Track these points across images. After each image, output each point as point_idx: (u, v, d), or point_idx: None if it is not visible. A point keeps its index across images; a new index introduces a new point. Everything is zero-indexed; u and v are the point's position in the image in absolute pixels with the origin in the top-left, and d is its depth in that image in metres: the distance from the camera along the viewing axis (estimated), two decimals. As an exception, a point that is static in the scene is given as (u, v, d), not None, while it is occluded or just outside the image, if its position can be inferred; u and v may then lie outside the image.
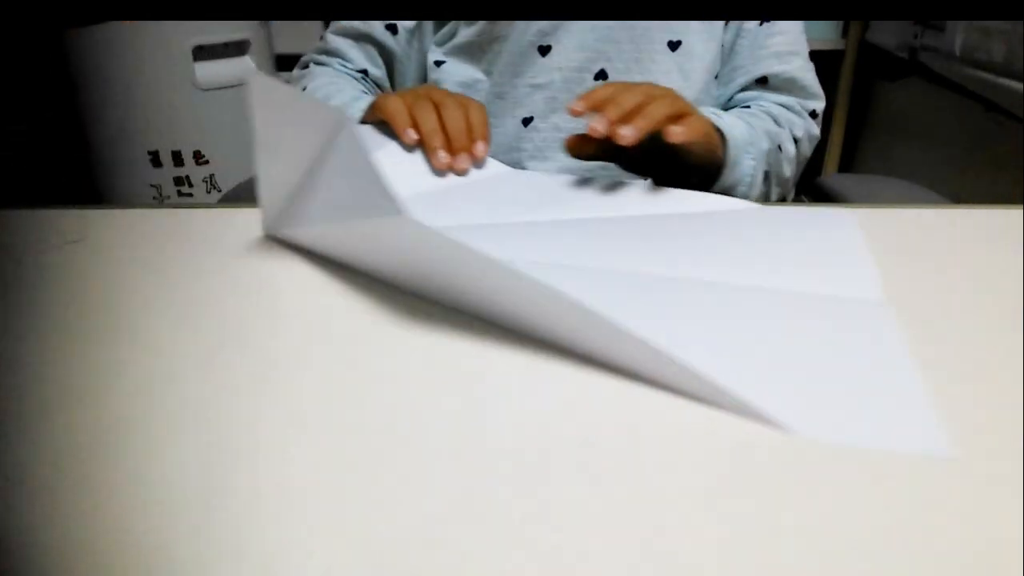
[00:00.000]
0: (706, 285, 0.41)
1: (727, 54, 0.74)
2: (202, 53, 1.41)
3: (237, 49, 1.48)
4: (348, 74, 0.76)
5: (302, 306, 0.40)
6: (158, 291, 0.42)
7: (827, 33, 1.69)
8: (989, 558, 0.23)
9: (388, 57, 0.77)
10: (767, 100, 0.74)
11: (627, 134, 0.51)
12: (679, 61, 0.71)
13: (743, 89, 0.75)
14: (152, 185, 1.48)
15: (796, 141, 0.73)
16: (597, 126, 0.52)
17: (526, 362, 0.35)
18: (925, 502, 0.26)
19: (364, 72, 0.76)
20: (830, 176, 1.33)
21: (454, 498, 0.26)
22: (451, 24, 0.73)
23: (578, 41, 0.70)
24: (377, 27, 0.74)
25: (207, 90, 1.43)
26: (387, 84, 0.78)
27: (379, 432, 0.30)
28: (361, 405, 0.31)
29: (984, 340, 0.35)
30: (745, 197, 0.63)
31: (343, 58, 0.76)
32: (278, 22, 1.63)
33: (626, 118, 0.53)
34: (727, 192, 0.64)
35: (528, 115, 0.72)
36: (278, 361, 0.35)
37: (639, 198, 0.56)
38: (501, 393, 0.32)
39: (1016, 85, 1.10)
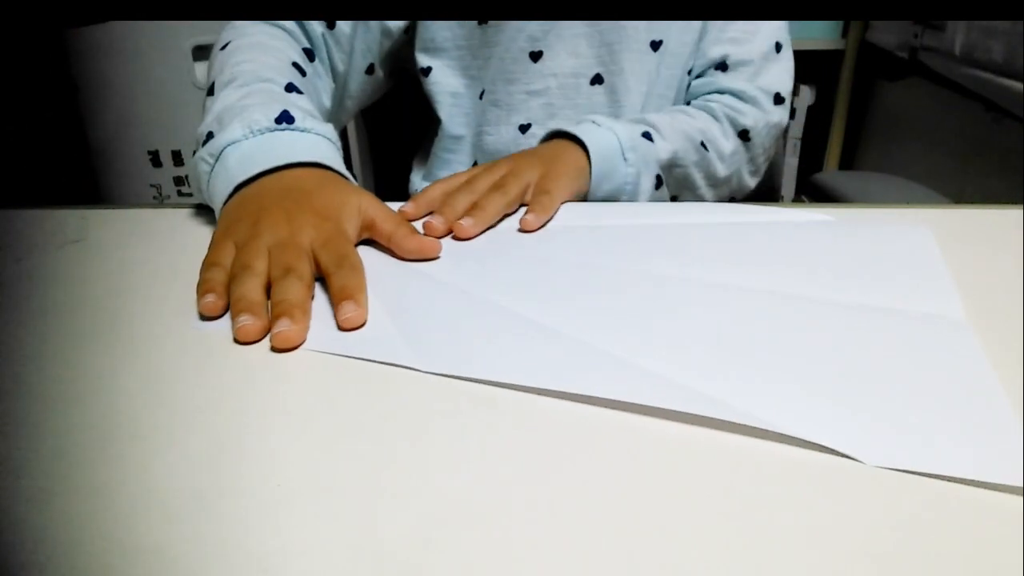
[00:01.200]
0: (775, 297, 0.40)
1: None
2: (202, 53, 1.40)
3: (237, 49, 1.47)
4: (301, 25, 0.65)
5: (302, 306, 0.40)
6: (158, 291, 0.42)
7: (827, 33, 1.70)
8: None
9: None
10: (718, 87, 0.72)
11: (467, 226, 0.50)
12: (659, 60, 0.71)
13: (700, 75, 0.74)
14: (152, 185, 1.48)
15: (744, 133, 0.71)
16: (436, 224, 0.50)
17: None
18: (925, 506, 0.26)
19: (331, 23, 0.66)
20: (828, 173, 1.33)
21: (455, 499, 0.26)
22: (435, 28, 0.71)
23: (570, 46, 0.69)
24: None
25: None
26: (348, 47, 0.68)
27: (380, 432, 0.30)
28: (362, 404, 0.31)
29: (984, 340, 0.35)
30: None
31: None
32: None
33: (463, 214, 0.51)
34: (609, 200, 0.61)
35: (526, 122, 0.72)
36: (278, 360, 0.35)
37: (707, 209, 0.55)
38: (503, 392, 0.32)
39: (1016, 85, 1.10)
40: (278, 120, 0.50)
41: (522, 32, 0.69)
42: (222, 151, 0.49)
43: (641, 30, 0.69)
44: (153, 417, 0.31)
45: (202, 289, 0.39)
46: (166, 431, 0.30)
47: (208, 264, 0.41)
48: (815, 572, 0.23)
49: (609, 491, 0.26)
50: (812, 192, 1.03)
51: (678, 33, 0.70)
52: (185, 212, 0.56)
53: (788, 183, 1.75)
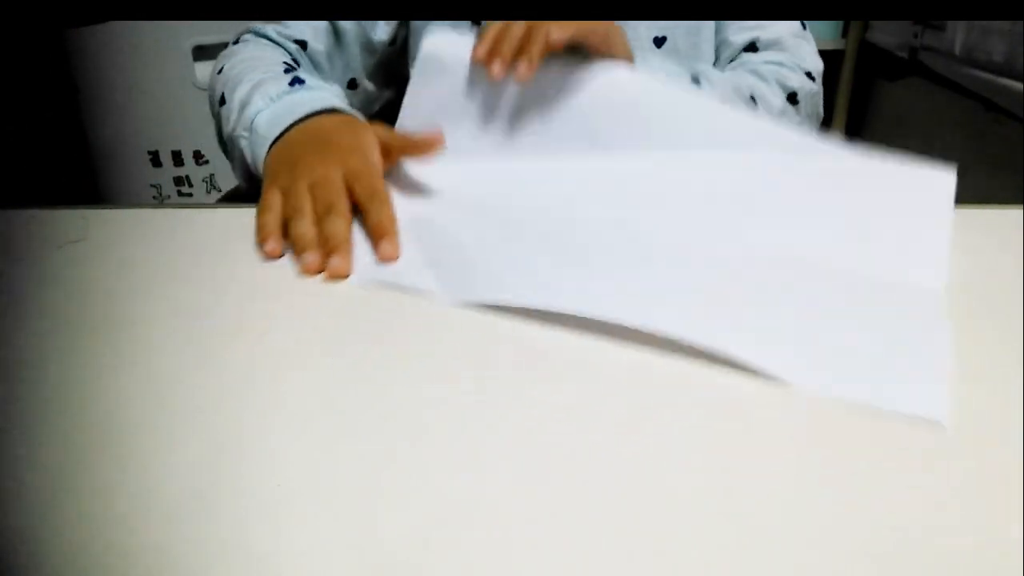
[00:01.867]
0: (754, 249, 0.43)
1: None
2: (202, 53, 1.41)
3: (237, 49, 1.47)
4: (280, 44, 0.69)
5: (301, 306, 0.40)
6: (158, 291, 0.42)
7: (827, 33, 1.69)
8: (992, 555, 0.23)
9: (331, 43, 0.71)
10: (756, 61, 0.72)
11: (523, 72, 0.54)
12: (663, 57, 0.70)
13: (731, 60, 0.73)
14: (152, 185, 1.48)
15: (792, 95, 0.70)
16: (496, 70, 0.54)
17: (528, 361, 0.35)
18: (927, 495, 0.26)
19: (303, 44, 0.69)
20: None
21: (455, 499, 0.26)
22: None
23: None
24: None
25: (207, 90, 1.43)
26: (326, 65, 0.70)
27: (379, 432, 0.30)
28: (361, 405, 0.31)
29: (984, 340, 0.35)
30: None
31: (281, 24, 0.69)
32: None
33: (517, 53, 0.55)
34: None
35: None
36: (278, 361, 0.35)
37: (711, 129, 0.55)
38: (502, 392, 0.32)
39: (1016, 85, 1.10)
40: (291, 84, 0.58)
41: None
42: (251, 122, 0.56)
43: (642, 27, 0.69)
44: (153, 417, 0.31)
45: (260, 235, 0.46)
46: (166, 431, 0.30)
47: (261, 209, 0.48)
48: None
49: (608, 491, 0.26)
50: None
51: (684, 30, 0.70)
52: (185, 212, 0.56)
53: (788, 183, 1.75)
